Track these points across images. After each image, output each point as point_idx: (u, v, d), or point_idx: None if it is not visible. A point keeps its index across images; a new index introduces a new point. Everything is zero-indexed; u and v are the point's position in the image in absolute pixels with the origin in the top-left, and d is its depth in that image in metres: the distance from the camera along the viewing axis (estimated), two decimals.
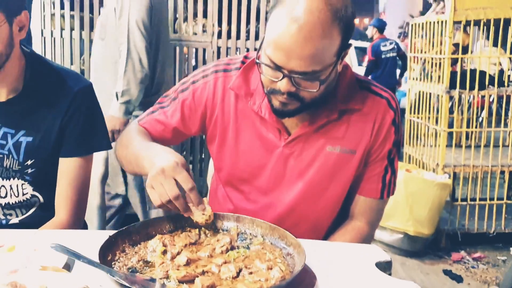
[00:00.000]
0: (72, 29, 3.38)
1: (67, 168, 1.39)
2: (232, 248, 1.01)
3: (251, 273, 0.91)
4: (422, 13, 8.12)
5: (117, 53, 2.43)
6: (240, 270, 0.92)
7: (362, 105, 1.23)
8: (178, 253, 0.97)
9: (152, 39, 2.47)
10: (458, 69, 3.39)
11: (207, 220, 1.06)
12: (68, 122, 1.37)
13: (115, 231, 1.02)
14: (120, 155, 1.30)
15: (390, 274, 1.04)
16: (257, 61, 1.12)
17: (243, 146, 1.28)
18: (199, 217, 1.05)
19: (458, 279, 3.10)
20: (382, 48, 6.59)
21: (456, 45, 3.35)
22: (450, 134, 3.57)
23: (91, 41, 3.42)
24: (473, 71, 3.38)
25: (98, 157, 1.63)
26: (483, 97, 3.73)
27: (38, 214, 1.43)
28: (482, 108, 4.38)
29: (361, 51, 10.20)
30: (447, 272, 3.18)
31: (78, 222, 1.43)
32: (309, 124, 1.23)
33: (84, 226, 1.56)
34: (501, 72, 3.62)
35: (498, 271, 3.21)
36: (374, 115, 1.24)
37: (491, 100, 4.25)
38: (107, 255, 0.94)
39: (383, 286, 0.94)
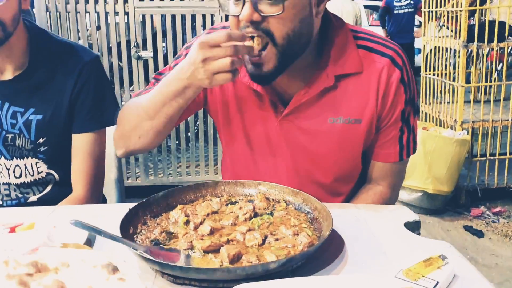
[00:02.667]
0: (77, 2, 3.30)
1: (80, 144, 1.36)
2: (256, 215, 0.99)
3: (277, 239, 0.88)
4: None
5: None
6: (266, 237, 0.89)
7: (361, 67, 1.09)
8: (201, 223, 0.94)
9: None
10: (476, 21, 3.25)
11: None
12: (77, 97, 1.34)
13: (134, 204, 0.99)
14: (129, 129, 1.11)
15: (419, 234, 1.01)
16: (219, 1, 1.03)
17: (244, 122, 1.18)
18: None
19: (479, 234, 3.08)
20: (396, 3, 6.22)
21: None
22: (467, 90, 3.48)
23: (97, 14, 3.35)
24: (491, 23, 3.25)
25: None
26: (501, 49, 3.60)
27: (56, 191, 1.41)
28: (500, 61, 4.23)
29: (371, 10, 9.88)
30: (467, 228, 3.16)
31: (96, 197, 1.42)
32: (304, 94, 1.10)
33: (104, 201, 1.55)
34: None
35: None
36: (376, 78, 1.10)
37: (509, 50, 4.11)
38: (128, 229, 0.92)
39: (414, 246, 0.90)
